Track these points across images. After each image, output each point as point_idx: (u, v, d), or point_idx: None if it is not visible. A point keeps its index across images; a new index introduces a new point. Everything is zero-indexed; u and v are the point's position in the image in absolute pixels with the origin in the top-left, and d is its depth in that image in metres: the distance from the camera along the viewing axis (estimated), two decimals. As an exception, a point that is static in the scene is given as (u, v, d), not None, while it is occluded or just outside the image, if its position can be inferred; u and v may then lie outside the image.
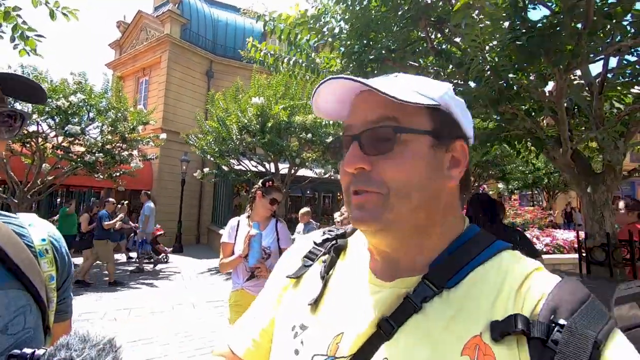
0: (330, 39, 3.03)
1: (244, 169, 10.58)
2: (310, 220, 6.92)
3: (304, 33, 2.91)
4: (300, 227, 6.65)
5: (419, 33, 3.12)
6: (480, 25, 1.74)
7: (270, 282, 0.69)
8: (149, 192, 10.06)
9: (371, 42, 2.95)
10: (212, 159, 10.71)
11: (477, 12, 1.72)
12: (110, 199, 7.93)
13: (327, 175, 11.00)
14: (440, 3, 2.78)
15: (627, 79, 2.92)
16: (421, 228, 0.52)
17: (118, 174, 9.28)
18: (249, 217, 2.69)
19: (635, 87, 3.01)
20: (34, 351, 0.50)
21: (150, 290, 6.87)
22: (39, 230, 0.66)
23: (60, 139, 8.25)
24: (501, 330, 0.42)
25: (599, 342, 0.39)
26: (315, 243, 0.67)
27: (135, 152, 9.35)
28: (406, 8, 2.64)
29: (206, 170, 11.02)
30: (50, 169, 8.31)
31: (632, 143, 3.27)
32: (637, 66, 2.71)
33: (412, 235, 0.52)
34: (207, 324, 5.02)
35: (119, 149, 8.95)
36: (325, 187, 14.57)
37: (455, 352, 0.43)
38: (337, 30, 2.97)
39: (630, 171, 3.19)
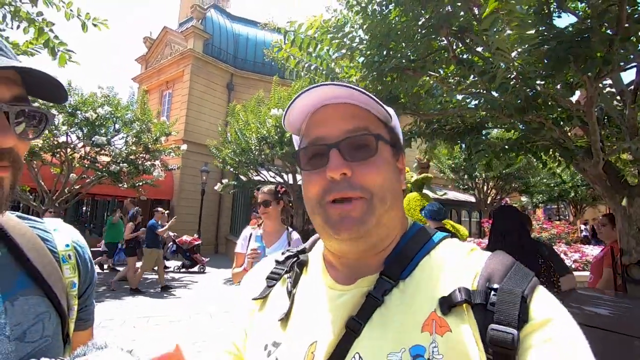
0: (349, 52, 3.03)
1: (262, 179, 10.67)
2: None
3: (325, 43, 2.92)
4: (316, 237, 6.58)
5: (440, 42, 3.09)
6: (508, 31, 1.69)
7: (237, 308, 0.69)
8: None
9: (391, 52, 2.93)
10: (231, 169, 10.87)
11: (505, 17, 1.67)
12: (159, 209, 8.29)
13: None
14: (462, 13, 2.74)
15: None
16: (389, 228, 0.57)
17: (141, 183, 9.53)
18: (259, 225, 2.61)
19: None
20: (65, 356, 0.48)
21: (170, 299, 6.92)
22: (64, 235, 0.65)
23: (88, 149, 8.58)
24: (449, 303, 0.48)
25: (526, 296, 0.46)
26: (277, 262, 0.69)
27: (157, 163, 9.60)
28: (427, 17, 2.61)
29: (225, 181, 11.17)
30: (77, 178, 8.61)
31: (670, 154, 3.09)
32: (673, 73, 2.58)
33: (383, 236, 0.56)
34: (224, 334, 4.99)
35: (142, 159, 9.22)
36: (342, 199, 14.48)
37: (416, 330, 0.48)
38: (357, 40, 2.97)
39: (668, 184, 3.00)
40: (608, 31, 2.29)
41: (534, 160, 3.75)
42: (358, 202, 0.53)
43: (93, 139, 8.13)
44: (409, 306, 0.50)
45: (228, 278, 9.33)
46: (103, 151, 8.60)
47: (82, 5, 2.77)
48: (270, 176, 10.55)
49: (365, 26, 2.82)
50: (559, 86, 2.81)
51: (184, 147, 10.45)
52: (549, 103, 2.51)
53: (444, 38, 2.89)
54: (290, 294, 0.61)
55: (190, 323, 5.46)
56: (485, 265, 0.51)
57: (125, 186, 9.15)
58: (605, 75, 2.51)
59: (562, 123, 2.86)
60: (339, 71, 3.21)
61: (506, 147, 3.02)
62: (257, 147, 9.52)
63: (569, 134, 3.29)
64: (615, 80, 2.97)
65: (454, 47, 3.14)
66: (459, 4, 2.61)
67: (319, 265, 0.63)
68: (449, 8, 2.67)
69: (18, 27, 2.67)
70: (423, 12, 2.67)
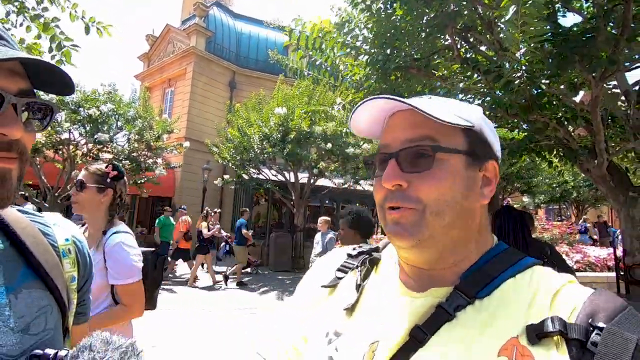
0: (353, 50, 3.03)
1: (263, 177, 10.68)
2: (329, 229, 6.86)
3: (329, 43, 2.92)
4: (318, 236, 6.60)
5: (444, 41, 3.08)
6: (521, 21, 1.68)
7: (302, 291, 0.69)
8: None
9: (395, 51, 2.93)
10: (233, 167, 10.87)
11: (517, 7, 1.66)
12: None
13: (346, 186, 10.95)
14: (466, 12, 2.74)
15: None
16: (455, 245, 0.53)
17: (143, 180, 9.55)
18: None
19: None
20: (57, 352, 0.49)
21: (176, 296, 6.94)
22: (63, 230, 0.66)
23: (90, 146, 8.59)
24: (538, 332, 0.42)
25: None
26: (349, 255, 0.68)
27: (159, 160, 9.61)
28: (432, 16, 2.61)
29: (226, 177, 11.19)
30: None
31: (674, 155, 3.09)
32: (679, 73, 2.57)
33: (445, 252, 0.53)
34: (233, 329, 5.02)
35: (145, 156, 9.23)
36: (344, 197, 14.48)
37: (491, 353, 0.44)
38: (361, 38, 2.97)
39: (672, 185, 3.00)
40: (613, 31, 2.29)
41: (538, 160, 3.74)
42: (407, 212, 0.51)
43: (96, 136, 8.14)
44: (485, 326, 0.46)
45: (229, 276, 9.37)
46: (105, 148, 8.61)
47: (85, 3, 2.77)
48: (272, 174, 10.56)
49: (369, 25, 2.82)
50: (562, 86, 2.81)
51: (187, 144, 10.46)
52: (554, 102, 2.51)
53: (448, 37, 2.89)
54: (359, 287, 0.60)
55: (200, 320, 5.48)
56: (589, 300, 0.45)
57: (128, 183, 9.16)
58: (611, 75, 2.50)
59: (566, 123, 2.86)
60: (343, 68, 3.21)
61: (512, 148, 3.02)
62: (260, 146, 9.52)
63: (573, 134, 3.28)
64: (620, 81, 2.96)
65: (458, 46, 3.14)
66: (464, 2, 2.61)
67: (390, 267, 0.62)
68: (454, 7, 2.67)
69: (21, 24, 2.68)
70: (427, 10, 2.67)
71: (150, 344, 4.21)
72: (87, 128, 8.35)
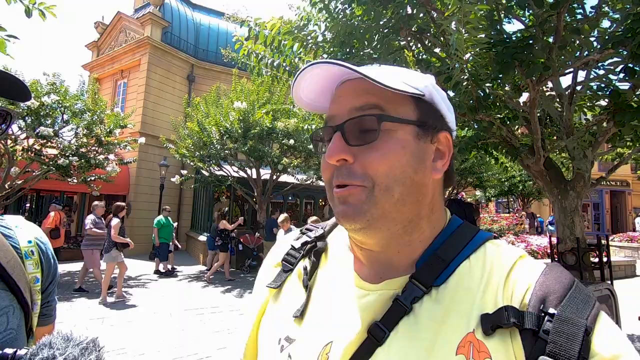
0: (314, 47, 3.06)
1: (225, 174, 10.45)
2: (291, 226, 6.88)
3: (289, 42, 2.93)
4: (281, 233, 6.61)
5: (400, 42, 3.20)
6: (465, 33, 1.81)
7: (255, 289, 0.66)
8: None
9: (354, 50, 3.00)
10: (192, 164, 10.53)
11: (463, 19, 1.79)
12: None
13: (309, 182, 11.00)
14: (421, 15, 2.87)
15: (594, 92, 3.08)
16: (407, 223, 0.50)
17: (93, 178, 8.98)
18: None
19: (603, 99, 3.18)
20: (16, 351, 0.49)
21: (125, 299, 6.62)
22: (25, 232, 0.66)
23: (32, 141, 7.92)
24: (492, 323, 0.42)
25: (588, 329, 0.40)
26: (292, 247, 0.63)
27: (111, 156, 9.08)
28: (388, 18, 2.70)
29: (184, 172, 10.82)
30: (20, 172, 7.95)
31: (600, 152, 3.44)
32: (603, 79, 2.87)
33: (398, 231, 0.50)
34: (185, 332, 4.89)
35: (95, 152, 8.68)
36: (307, 193, 14.55)
37: (450, 353, 0.42)
38: (320, 38, 3.00)
39: (597, 179, 3.35)
40: (550, 39, 2.51)
41: (486, 156, 4.01)
42: (355, 189, 0.47)
43: (37, 130, 7.51)
44: (442, 321, 0.45)
45: (189, 275, 9.09)
46: (50, 143, 7.98)
47: (25, -15, 2.55)
48: (234, 171, 10.36)
49: (327, 24, 2.86)
50: (508, 88, 3.03)
51: (142, 140, 9.96)
52: (497, 104, 2.70)
53: (403, 38, 3.00)
54: (307, 287, 0.56)
55: (150, 323, 5.28)
56: (540, 281, 0.44)
57: (75, 181, 8.57)
58: (546, 80, 2.74)
59: (508, 122, 3.09)
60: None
61: (462, 146, 3.21)
62: (220, 141, 9.30)
63: (516, 132, 3.55)
64: (555, 84, 3.25)
65: (413, 47, 3.28)
66: (418, 6, 2.73)
67: (341, 254, 0.58)
68: (409, 10, 2.78)
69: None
70: (384, 12, 2.76)
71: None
72: (28, 121, 7.69)
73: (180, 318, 5.54)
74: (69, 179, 8.43)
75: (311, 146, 9.46)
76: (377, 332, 0.46)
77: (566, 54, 2.63)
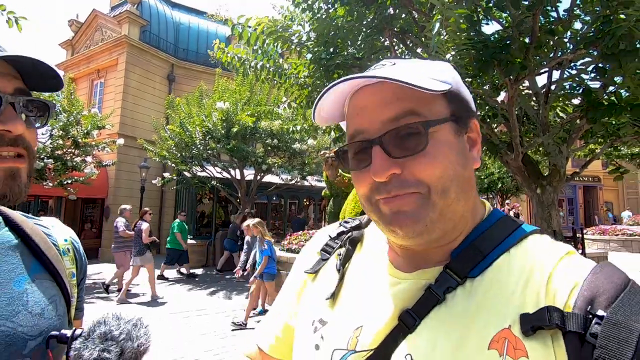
0: (298, 47, 3.07)
1: (207, 175, 10.31)
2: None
3: (271, 40, 2.93)
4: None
5: (384, 42, 3.26)
6: (445, 35, 1.87)
7: (291, 276, 0.69)
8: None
9: (337, 50, 3.03)
10: (173, 165, 10.35)
11: (444, 22, 1.84)
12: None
13: (293, 182, 10.99)
14: (403, 15, 2.93)
15: (568, 91, 3.22)
16: (459, 220, 0.49)
17: (69, 181, 8.70)
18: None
19: (576, 97, 3.33)
20: (74, 330, 0.55)
21: (105, 305, 6.45)
22: (61, 231, 0.72)
23: (3, 143, 7.61)
24: (533, 324, 0.39)
25: None
26: (330, 237, 0.65)
27: (89, 159, 8.82)
28: (371, 18, 2.74)
29: (167, 175, 10.62)
30: (-9, 176, 7.62)
31: (573, 149, 3.60)
32: (576, 78, 3.00)
33: (450, 230, 0.48)
34: (175, 334, 4.81)
35: (71, 154, 8.41)
36: (291, 194, 14.52)
37: (481, 347, 0.41)
38: (304, 37, 3.02)
39: (572, 174, 3.50)
40: (526, 40, 2.61)
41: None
42: (410, 197, 0.45)
43: (10, 132, 7.23)
44: (475, 314, 0.43)
45: (173, 278, 8.93)
46: (23, 146, 7.69)
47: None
48: (217, 171, 10.24)
49: (312, 24, 2.88)
50: (487, 87, 3.13)
51: (120, 141, 9.72)
52: (478, 101, 2.79)
53: (386, 38, 3.05)
54: (340, 272, 0.57)
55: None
56: (588, 279, 0.41)
57: (51, 185, 8.28)
58: (523, 79, 2.85)
59: (488, 120, 3.19)
60: (287, 67, 3.24)
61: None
62: (202, 142, 9.17)
63: (496, 130, 3.67)
64: (532, 83, 3.37)
65: (396, 47, 3.34)
66: (400, 7, 2.78)
67: (377, 244, 0.58)
68: (391, 11, 2.84)
69: None
70: (367, 12, 2.80)
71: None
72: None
73: (167, 321, 5.45)
74: (44, 183, 8.14)
75: (295, 145, 9.46)
76: (408, 320, 0.46)
77: (541, 54, 2.74)
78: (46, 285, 0.61)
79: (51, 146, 7.93)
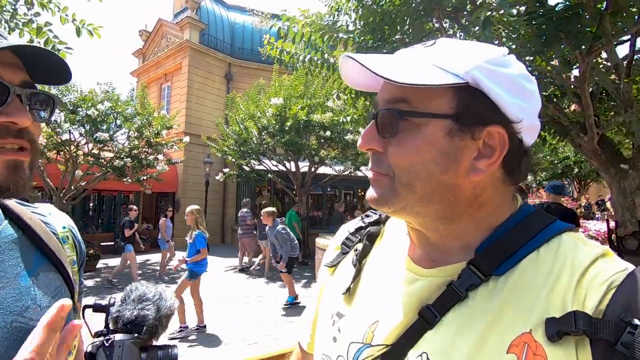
0: (344, 36, 3.05)
1: (264, 168, 10.75)
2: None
3: (315, 35, 2.94)
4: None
5: (434, 25, 3.09)
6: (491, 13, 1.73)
7: (319, 271, 0.72)
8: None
9: (385, 37, 2.95)
10: (233, 160, 10.95)
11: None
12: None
13: (347, 172, 11.00)
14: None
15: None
16: (443, 219, 0.48)
17: (145, 177, 9.65)
18: None
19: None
20: (110, 297, 0.62)
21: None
22: (59, 218, 0.70)
23: (91, 146, 8.67)
24: (558, 329, 0.37)
25: None
26: (349, 232, 0.66)
27: (160, 156, 9.69)
28: (419, 0, 2.62)
29: (226, 170, 11.28)
30: (83, 175, 8.74)
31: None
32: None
33: (435, 222, 0.48)
34: (229, 319, 5.17)
35: (145, 153, 9.31)
36: (345, 184, 14.56)
37: (500, 350, 0.39)
38: (350, 27, 2.99)
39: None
40: (600, 7, 2.30)
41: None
42: (382, 177, 0.47)
43: (95, 136, 8.21)
44: (498, 315, 0.41)
45: (235, 266, 9.53)
46: (106, 147, 8.70)
47: (74, 2, 2.81)
48: (273, 165, 10.62)
49: (358, 12, 2.83)
50: (557, 62, 2.83)
51: (186, 139, 10.52)
52: (543, 80, 2.54)
53: (436, 20, 2.90)
54: (356, 266, 0.58)
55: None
56: (624, 284, 0.38)
57: (130, 181, 9.27)
58: (598, 50, 2.52)
59: (555, 100, 2.89)
60: (334, 61, 3.23)
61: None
62: (258, 137, 9.56)
63: (568, 110, 3.31)
64: (610, 55, 2.97)
65: (448, 28, 3.15)
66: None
67: (396, 239, 0.58)
68: (441, -11, 2.67)
69: (13, 30, 2.72)
70: (415, -6, 2.68)
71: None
72: (87, 128, 8.41)
73: (223, 306, 5.86)
74: (125, 179, 9.13)
75: (347, 137, 9.45)
76: (429, 315, 0.45)
77: (621, 21, 2.40)
78: (51, 277, 0.60)
79: (129, 146, 8.84)
